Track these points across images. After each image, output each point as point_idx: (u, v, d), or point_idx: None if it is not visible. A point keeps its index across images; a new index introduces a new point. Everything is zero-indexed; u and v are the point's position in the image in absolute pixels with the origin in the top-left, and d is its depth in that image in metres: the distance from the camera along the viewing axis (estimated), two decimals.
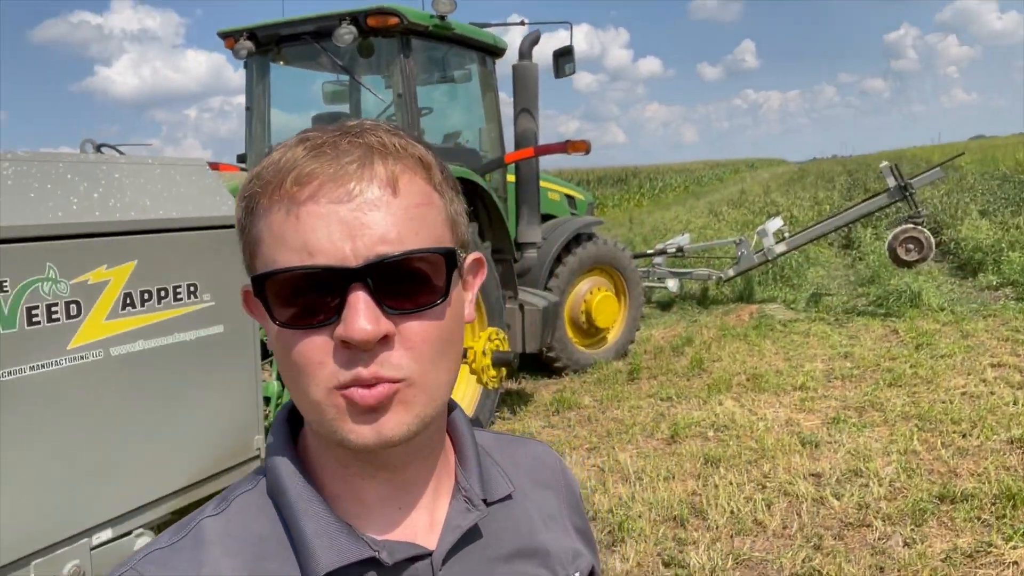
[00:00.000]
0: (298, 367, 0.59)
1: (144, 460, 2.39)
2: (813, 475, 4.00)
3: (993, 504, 3.45)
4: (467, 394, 4.68)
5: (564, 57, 5.68)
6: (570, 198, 7.10)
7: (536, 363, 6.22)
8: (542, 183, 5.93)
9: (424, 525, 0.67)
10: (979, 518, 3.37)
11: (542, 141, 5.34)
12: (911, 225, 7.21)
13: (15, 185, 2.05)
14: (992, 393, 4.98)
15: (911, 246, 7.20)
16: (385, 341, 0.58)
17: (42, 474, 2.08)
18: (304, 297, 0.58)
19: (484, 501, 0.70)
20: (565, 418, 5.29)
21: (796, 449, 4.34)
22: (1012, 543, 3.12)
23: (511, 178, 5.69)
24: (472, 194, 4.74)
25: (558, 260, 6.04)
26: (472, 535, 0.69)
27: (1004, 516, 3.33)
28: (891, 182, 7.38)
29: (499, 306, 4.79)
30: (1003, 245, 9.17)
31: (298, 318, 0.59)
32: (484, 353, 4.28)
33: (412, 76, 4.71)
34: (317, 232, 0.57)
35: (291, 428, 0.69)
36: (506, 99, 5.55)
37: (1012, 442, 4.14)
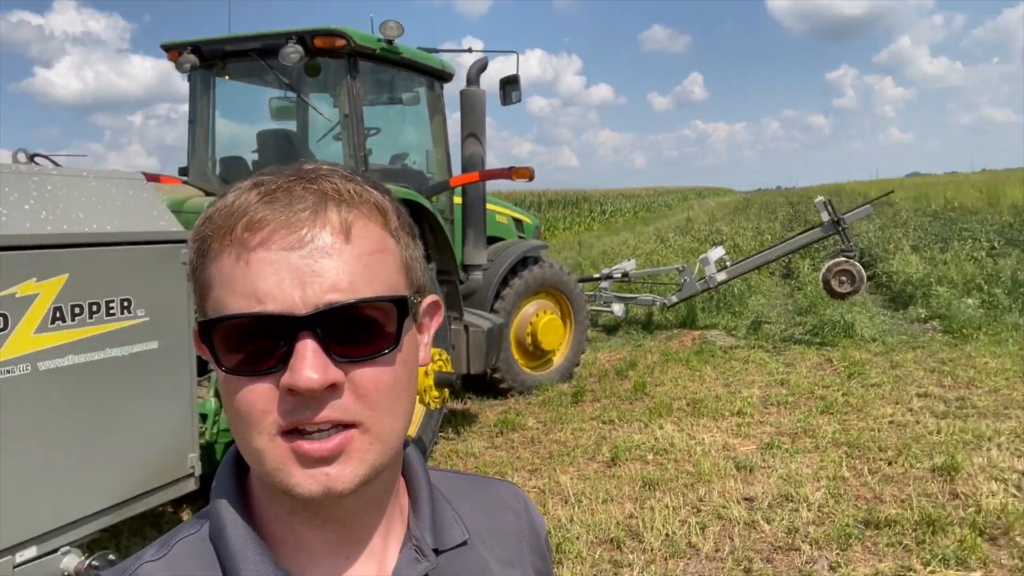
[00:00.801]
0: (242, 414, 0.58)
1: (72, 476, 2.33)
2: (746, 499, 4.10)
3: (914, 530, 3.59)
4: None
5: (510, 85, 5.78)
6: (518, 221, 7.17)
7: (482, 384, 6.23)
8: (490, 206, 5.99)
9: None
10: (901, 543, 3.50)
11: (495, 162, 5.41)
12: (843, 258, 7.49)
13: None
14: (918, 422, 5.19)
15: (844, 279, 7.48)
16: (333, 389, 0.57)
17: None
18: (251, 344, 0.57)
19: (435, 551, 0.68)
20: (508, 439, 5.30)
21: (731, 473, 4.44)
22: (930, 567, 3.25)
23: (458, 200, 5.73)
24: (418, 215, 4.76)
25: (504, 282, 6.08)
26: None
27: (924, 541, 3.47)
28: (825, 216, 7.67)
29: (444, 327, 4.80)
30: (932, 280, 9.59)
31: (245, 365, 0.58)
32: (427, 374, 4.28)
33: (359, 97, 4.73)
34: (267, 279, 0.56)
35: (238, 472, 0.67)
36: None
37: (934, 470, 4.31)
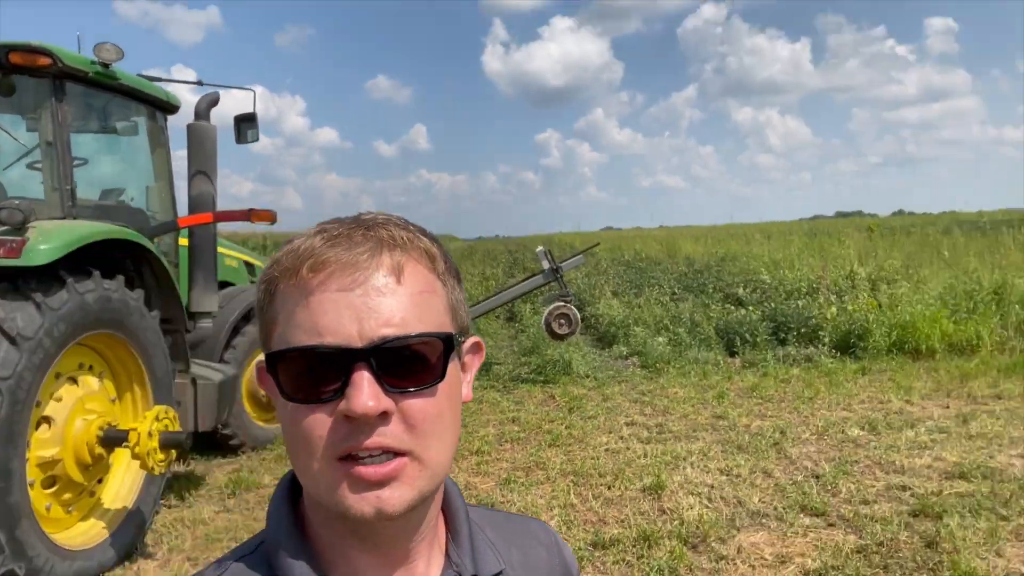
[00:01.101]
0: (301, 440, 0.63)
1: None
2: None
3: (634, 546, 4.03)
4: (126, 481, 4.12)
5: (247, 123, 5.49)
6: (249, 265, 6.80)
7: (208, 441, 5.72)
8: (219, 249, 5.61)
9: None
10: (624, 560, 3.90)
11: (218, 202, 5.07)
12: (562, 303, 8.25)
13: None
14: (628, 448, 5.85)
15: (563, 321, 8.22)
16: (384, 417, 0.62)
17: None
18: (312, 374, 0.63)
19: None
20: (243, 500, 4.92)
21: None
22: None
23: (184, 242, 5.29)
24: (138, 258, 4.31)
25: (235, 330, 5.71)
26: None
27: (642, 556, 3.90)
28: (545, 264, 8.41)
29: (167, 381, 4.34)
30: (630, 321, 10.93)
31: (305, 393, 0.63)
32: (150, 435, 3.83)
33: (65, 124, 4.18)
34: (327, 315, 0.63)
35: (292, 497, 0.72)
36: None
37: (644, 490, 4.89)
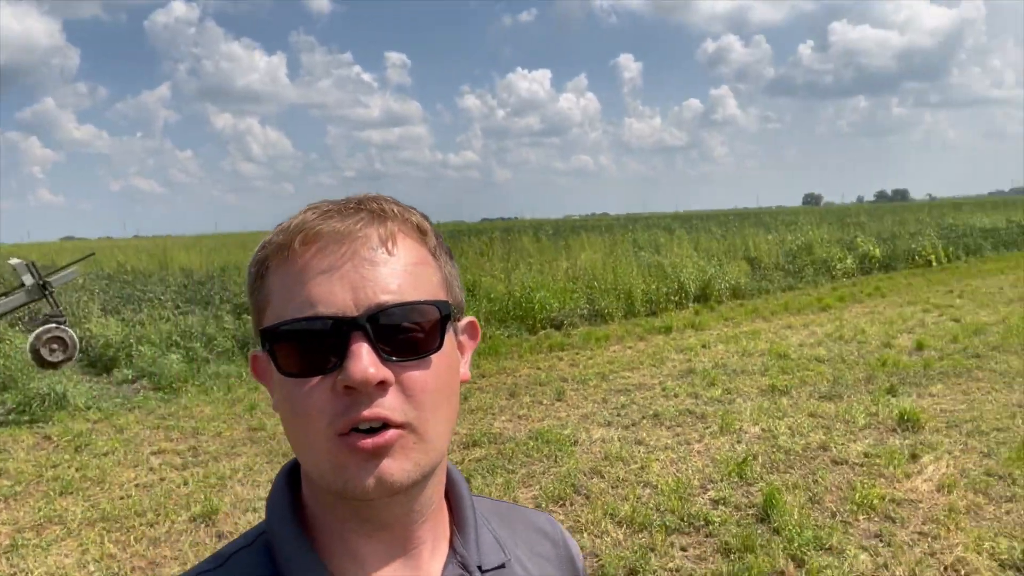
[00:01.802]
0: (300, 415, 0.61)
1: None
2: None
3: None
4: None
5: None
6: None
7: None
8: None
9: None
10: None
11: None
12: (54, 324, 6.96)
13: None
14: (162, 479, 5.29)
15: (55, 346, 6.94)
16: (383, 386, 0.60)
17: None
18: (308, 347, 0.61)
19: (479, 568, 0.70)
20: None
21: None
22: None
23: None
24: None
25: None
26: None
27: None
28: (28, 280, 6.98)
29: None
30: (132, 340, 9.80)
31: (302, 367, 0.61)
32: None
33: None
34: (321, 286, 0.61)
35: (291, 485, 0.69)
36: None
37: (195, 519, 4.51)
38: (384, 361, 0.60)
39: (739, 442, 5.44)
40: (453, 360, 0.68)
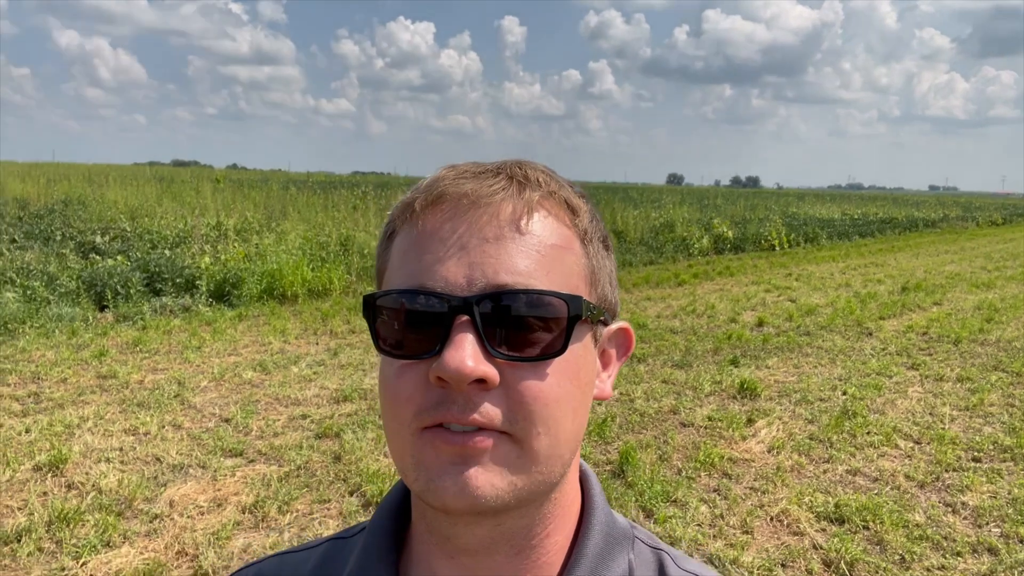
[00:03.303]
0: (389, 398, 0.53)
1: None
2: None
3: (50, 530, 3.53)
4: None
5: None
6: None
7: None
8: None
9: None
10: (42, 548, 3.39)
11: None
12: None
13: None
14: (0, 426, 4.91)
15: None
16: (483, 385, 0.50)
17: None
18: (407, 325, 0.53)
19: None
20: None
21: None
22: (82, 560, 3.29)
23: None
24: None
25: None
26: None
27: (64, 538, 3.46)
28: None
29: None
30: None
31: (398, 347, 0.53)
32: None
33: None
34: (434, 257, 0.52)
35: (405, 488, 0.63)
36: None
37: (40, 468, 4.25)
38: (490, 356, 0.51)
39: (599, 404, 5.79)
40: (585, 369, 0.56)
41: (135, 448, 4.62)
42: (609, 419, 5.33)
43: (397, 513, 0.63)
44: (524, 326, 0.52)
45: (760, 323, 9.18)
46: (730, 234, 18.52)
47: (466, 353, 0.49)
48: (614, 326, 0.61)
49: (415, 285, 0.53)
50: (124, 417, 5.18)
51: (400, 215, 0.57)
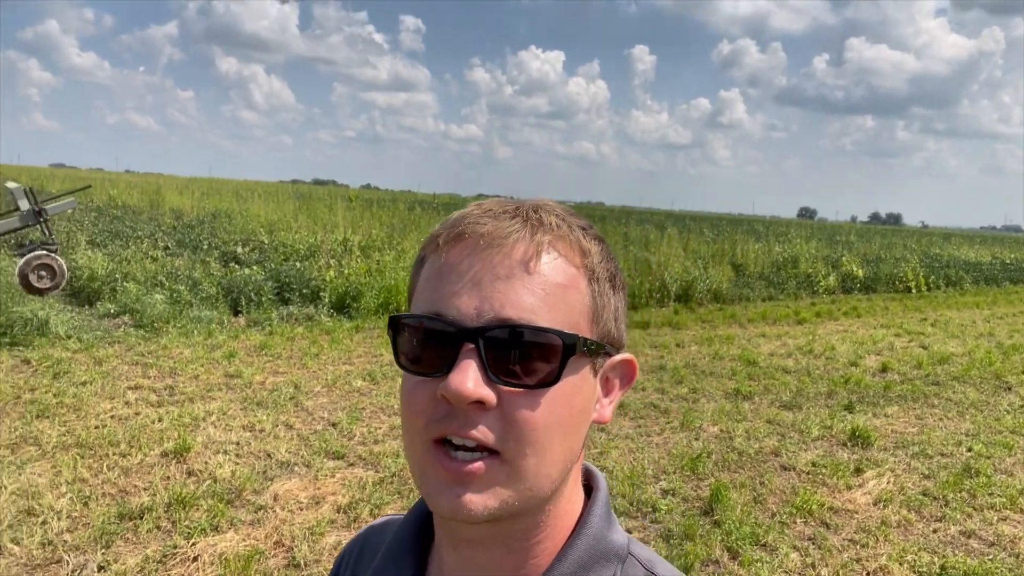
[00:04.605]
0: (407, 411, 0.61)
1: None
2: None
3: (168, 511, 3.88)
4: None
5: None
6: None
7: None
8: None
9: None
10: (159, 527, 3.74)
11: None
12: (44, 252, 7.05)
13: None
14: (138, 413, 5.44)
15: (44, 273, 7.04)
16: (481, 406, 0.57)
17: None
18: (423, 346, 0.60)
19: None
20: None
21: None
22: (192, 539, 3.61)
23: None
24: None
25: None
26: None
27: (179, 519, 3.80)
28: (24, 205, 7.05)
29: None
30: (118, 276, 9.88)
31: (415, 363, 0.60)
32: None
33: None
34: (452, 288, 0.60)
35: None
36: None
37: (167, 455, 4.67)
38: (490, 381, 0.57)
39: (696, 439, 5.66)
40: (579, 398, 0.62)
41: (250, 443, 4.99)
42: (704, 455, 5.21)
43: (421, 515, 0.73)
44: (523, 357, 0.58)
45: (884, 368, 8.65)
46: (860, 273, 17.54)
47: (468, 377, 0.56)
48: (618, 357, 0.67)
49: (432, 312, 0.60)
50: (244, 414, 5.60)
51: (428, 245, 0.64)
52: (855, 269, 17.70)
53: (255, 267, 10.60)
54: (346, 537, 3.77)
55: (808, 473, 5.08)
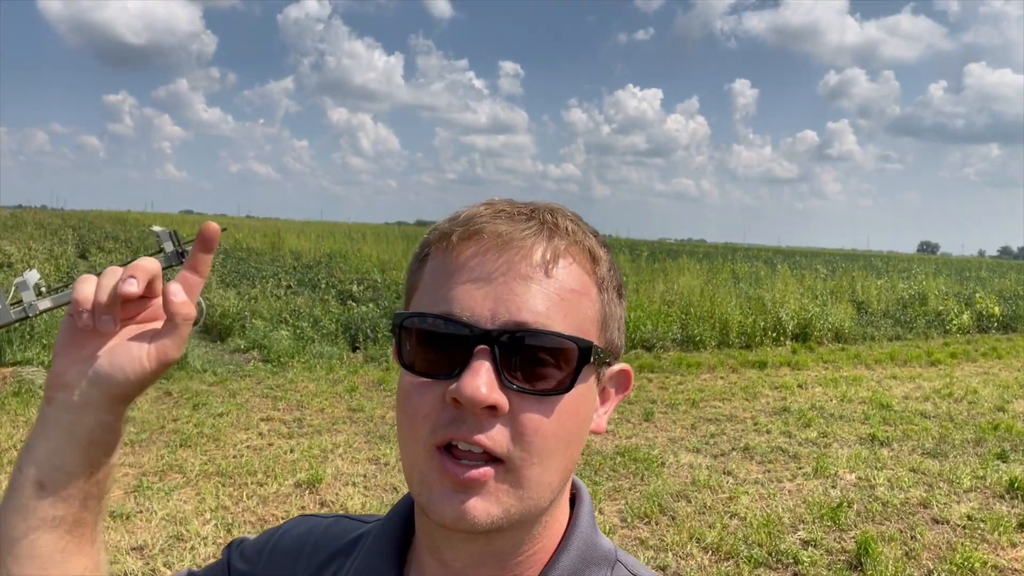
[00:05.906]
0: (407, 412, 0.58)
1: None
2: (135, 549, 3.78)
3: None
4: None
5: None
6: None
7: None
8: None
9: None
10: None
11: None
12: None
13: None
14: (271, 444, 5.66)
15: None
16: (492, 412, 0.55)
17: None
18: (432, 347, 0.57)
19: None
20: None
21: (106, 524, 4.00)
22: None
23: None
24: None
25: None
26: None
27: None
28: (168, 247, 7.59)
29: None
30: (247, 313, 10.45)
31: (421, 364, 0.57)
32: None
33: None
34: (465, 288, 0.57)
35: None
36: None
37: (300, 485, 4.82)
38: (503, 386, 0.55)
39: (833, 487, 5.32)
40: (584, 407, 0.60)
41: (376, 476, 5.08)
42: (845, 504, 4.87)
43: (406, 518, 0.68)
44: (537, 362, 0.56)
45: None
46: (997, 310, 16.23)
47: (481, 381, 0.54)
48: (616, 367, 0.65)
49: (443, 311, 0.57)
50: (368, 447, 5.72)
51: (436, 241, 0.61)
52: (991, 306, 16.40)
53: (370, 304, 10.94)
54: None
55: (964, 527, 4.65)
